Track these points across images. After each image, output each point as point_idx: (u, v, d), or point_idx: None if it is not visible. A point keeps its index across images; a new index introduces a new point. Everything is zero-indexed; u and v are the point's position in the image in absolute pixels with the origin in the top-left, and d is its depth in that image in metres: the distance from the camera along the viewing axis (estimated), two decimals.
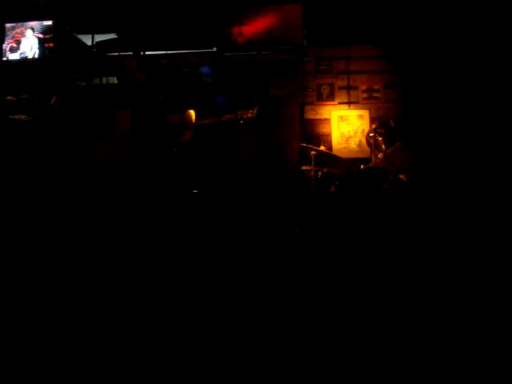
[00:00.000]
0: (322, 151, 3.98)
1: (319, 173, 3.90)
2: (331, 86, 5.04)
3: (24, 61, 4.94)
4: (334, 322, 2.23)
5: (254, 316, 2.31)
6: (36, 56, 4.92)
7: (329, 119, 5.01)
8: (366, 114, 4.96)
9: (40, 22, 4.93)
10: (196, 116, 3.73)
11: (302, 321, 2.25)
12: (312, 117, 5.04)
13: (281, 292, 2.63)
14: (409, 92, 4.84)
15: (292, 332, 2.12)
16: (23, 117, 4.52)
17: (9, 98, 4.75)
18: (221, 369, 1.83)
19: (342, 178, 3.42)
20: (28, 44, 4.93)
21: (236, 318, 2.30)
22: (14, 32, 4.97)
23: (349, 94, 5.02)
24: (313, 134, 4.98)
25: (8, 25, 4.99)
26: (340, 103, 5.03)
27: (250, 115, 3.51)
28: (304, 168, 4.04)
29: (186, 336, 2.11)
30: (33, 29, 4.94)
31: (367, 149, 4.28)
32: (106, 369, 1.85)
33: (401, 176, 3.38)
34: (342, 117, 4.99)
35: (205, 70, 3.97)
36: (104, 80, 5.23)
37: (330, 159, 4.23)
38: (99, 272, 3.05)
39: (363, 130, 4.87)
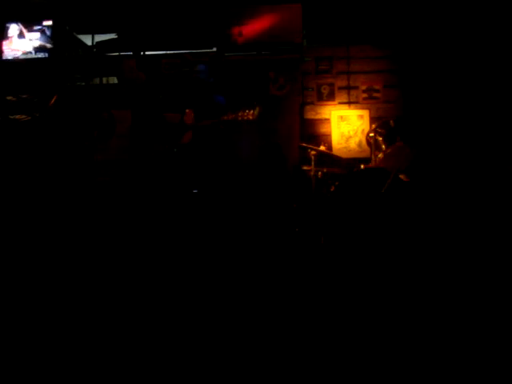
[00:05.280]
0: (322, 151, 3.97)
1: (319, 173, 3.90)
2: (331, 85, 5.04)
3: (24, 61, 4.94)
4: (334, 321, 2.23)
5: (253, 316, 2.31)
6: (36, 56, 4.92)
7: (329, 119, 5.01)
8: (366, 114, 4.95)
9: (40, 22, 4.92)
10: (196, 116, 3.73)
11: (302, 320, 2.25)
12: (312, 117, 5.03)
13: (281, 292, 2.63)
14: (409, 92, 4.84)
15: (292, 332, 2.12)
16: (23, 117, 4.51)
17: (9, 98, 4.75)
18: (221, 368, 1.83)
19: (342, 178, 3.42)
20: (28, 44, 4.93)
21: (236, 318, 2.30)
22: (13, 32, 4.97)
23: (349, 94, 5.02)
24: (313, 133, 4.98)
25: (8, 25, 4.98)
26: (340, 103, 5.03)
27: (250, 117, 3.51)
28: (304, 168, 4.04)
29: (186, 336, 2.10)
30: (33, 29, 4.93)
31: (367, 149, 4.28)
32: (106, 369, 1.85)
33: (401, 176, 3.38)
34: (342, 117, 4.98)
35: (200, 67, 3.97)
36: (104, 80, 5.23)
37: (330, 159, 4.23)
38: (99, 272, 3.05)
39: (363, 129, 4.87)
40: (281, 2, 4.85)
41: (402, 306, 2.38)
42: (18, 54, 4.94)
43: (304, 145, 4.09)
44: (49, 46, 4.89)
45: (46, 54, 4.88)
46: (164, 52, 5.12)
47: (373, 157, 3.81)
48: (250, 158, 4.68)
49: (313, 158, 3.89)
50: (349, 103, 5.01)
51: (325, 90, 5.04)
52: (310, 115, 5.03)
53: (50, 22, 4.91)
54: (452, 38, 4.64)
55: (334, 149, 4.90)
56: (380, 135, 3.79)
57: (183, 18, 5.02)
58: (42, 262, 3.20)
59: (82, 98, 4.93)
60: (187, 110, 3.71)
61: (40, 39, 4.92)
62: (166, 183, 3.97)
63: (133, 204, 4.10)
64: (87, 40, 5.18)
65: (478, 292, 2.52)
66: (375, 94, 4.98)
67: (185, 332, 2.15)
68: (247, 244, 3.88)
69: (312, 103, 5.04)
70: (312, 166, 3.86)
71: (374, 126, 3.94)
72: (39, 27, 4.92)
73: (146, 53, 5.10)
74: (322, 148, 4.03)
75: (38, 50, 4.91)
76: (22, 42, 4.94)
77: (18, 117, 4.53)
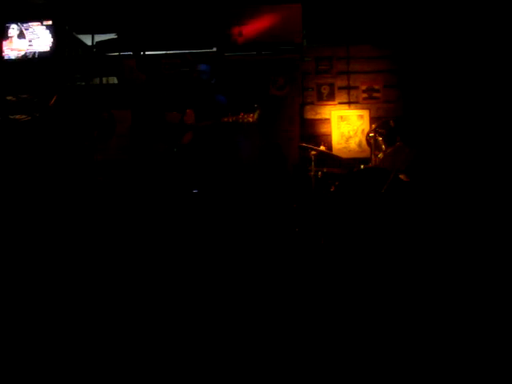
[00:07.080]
0: (322, 151, 3.98)
1: (319, 173, 3.90)
2: (331, 85, 5.04)
3: (24, 61, 4.94)
4: (334, 321, 2.23)
5: (254, 316, 2.31)
6: (36, 56, 4.92)
7: (329, 119, 5.01)
8: (366, 114, 4.95)
9: (40, 22, 4.93)
10: (196, 116, 3.73)
11: (302, 320, 2.25)
12: (312, 117, 5.03)
13: (281, 292, 2.63)
14: (409, 92, 4.84)
15: (292, 331, 2.12)
16: (23, 117, 4.52)
17: (9, 98, 4.75)
18: (221, 369, 1.83)
19: (342, 178, 3.43)
20: (28, 44, 4.93)
21: (236, 317, 2.30)
22: (14, 32, 4.97)
23: (349, 94, 5.02)
24: (313, 133, 4.98)
25: (8, 25, 4.99)
26: (340, 103, 5.03)
27: (250, 119, 3.52)
28: (304, 168, 4.04)
29: (186, 337, 2.11)
30: (33, 29, 4.94)
31: (367, 149, 4.28)
32: (106, 369, 1.85)
33: (401, 176, 3.38)
34: (342, 117, 4.98)
35: (202, 67, 3.97)
36: (104, 80, 5.23)
37: (330, 159, 4.23)
38: (99, 271, 3.05)
39: (363, 129, 4.87)
40: (281, 1, 4.85)
41: (402, 306, 2.38)
42: (18, 53, 4.95)
43: (304, 145, 4.09)
44: (49, 46, 4.89)
45: (46, 54, 4.89)
46: (164, 52, 5.12)
47: (373, 157, 3.81)
48: (250, 158, 4.69)
49: (313, 157, 3.89)
50: (349, 103, 5.01)
51: (325, 90, 5.04)
52: (310, 115, 5.03)
53: (49, 22, 4.91)
54: (452, 37, 4.64)
55: (334, 149, 4.91)
56: (380, 135, 3.79)
57: (183, 18, 5.02)
58: (42, 261, 3.20)
59: (82, 98, 4.93)
60: (188, 110, 3.72)
61: (40, 39, 4.92)
62: (166, 183, 3.97)
63: (133, 204, 4.10)
64: (87, 40, 5.18)
65: (477, 291, 2.53)
66: (375, 94, 4.98)
67: (184, 331, 2.15)
68: (247, 244, 3.87)
69: (312, 103, 5.04)
70: (312, 166, 3.86)
71: (374, 126, 3.94)
72: (39, 27, 4.93)
73: (146, 53, 5.10)
74: (322, 148, 4.03)
75: (38, 50, 4.91)
76: (22, 42, 4.94)
77: (18, 117, 4.54)
